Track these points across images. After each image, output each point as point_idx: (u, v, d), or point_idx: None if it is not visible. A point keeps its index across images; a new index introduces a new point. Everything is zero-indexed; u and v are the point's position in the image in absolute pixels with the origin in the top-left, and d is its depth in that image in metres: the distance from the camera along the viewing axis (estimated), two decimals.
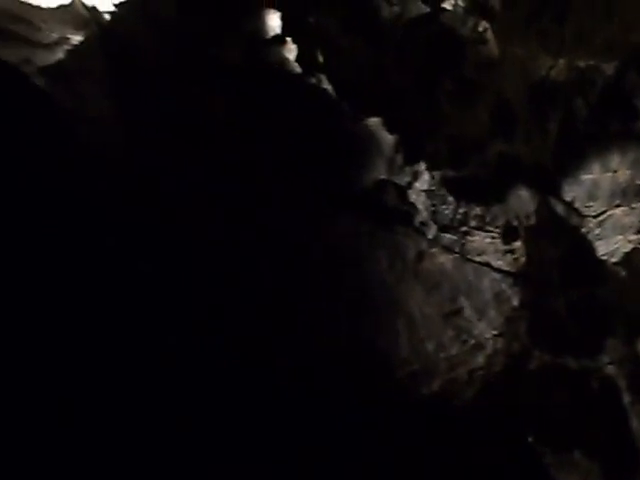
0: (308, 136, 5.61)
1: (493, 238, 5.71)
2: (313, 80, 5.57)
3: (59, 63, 5.57)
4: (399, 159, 5.65)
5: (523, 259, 5.69)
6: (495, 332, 5.56)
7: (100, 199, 5.08)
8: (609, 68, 6.01)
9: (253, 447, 4.21)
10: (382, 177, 5.71)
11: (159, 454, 4.01)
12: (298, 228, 5.50)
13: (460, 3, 5.62)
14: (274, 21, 5.58)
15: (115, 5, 5.86)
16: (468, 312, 5.59)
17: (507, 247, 5.70)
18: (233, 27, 5.65)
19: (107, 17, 5.93)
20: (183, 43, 5.57)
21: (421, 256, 5.65)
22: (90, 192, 5.06)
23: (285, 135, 5.60)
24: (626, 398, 5.68)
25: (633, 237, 6.05)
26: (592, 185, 6.07)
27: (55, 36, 5.79)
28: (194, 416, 4.18)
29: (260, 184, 5.58)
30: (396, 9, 5.62)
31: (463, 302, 5.61)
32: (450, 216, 5.71)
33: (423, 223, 5.75)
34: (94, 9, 5.99)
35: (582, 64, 5.91)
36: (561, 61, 5.88)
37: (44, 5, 5.96)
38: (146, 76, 5.56)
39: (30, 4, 5.88)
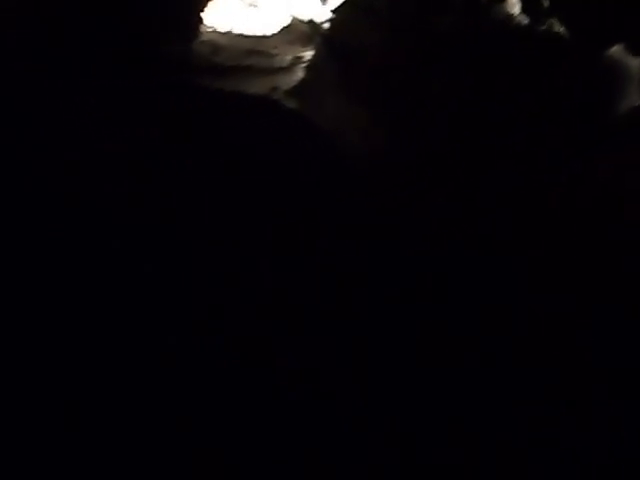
0: (550, 83, 5.58)
1: None
2: (543, 27, 5.53)
3: (302, 82, 5.82)
4: None
5: None
6: None
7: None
8: None
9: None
10: (638, 103, 5.56)
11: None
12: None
13: None
14: None
15: (332, 11, 6.03)
16: None
17: None
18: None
19: (326, 26, 6.16)
20: (395, 30, 5.62)
21: None
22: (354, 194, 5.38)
23: (528, 90, 5.59)
24: None
25: None
26: None
27: (289, 58, 6.12)
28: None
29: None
30: None
31: None
32: None
33: None
34: (312, 22, 6.33)
35: None
36: None
37: (268, 32, 6.42)
38: (373, 72, 5.65)
39: (256, 35, 6.36)
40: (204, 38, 5.88)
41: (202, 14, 5.74)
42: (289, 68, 5.98)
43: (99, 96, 5.41)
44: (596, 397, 4.35)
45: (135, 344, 4.17)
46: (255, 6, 6.53)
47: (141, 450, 3.75)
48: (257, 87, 5.57)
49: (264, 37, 6.35)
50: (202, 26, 5.89)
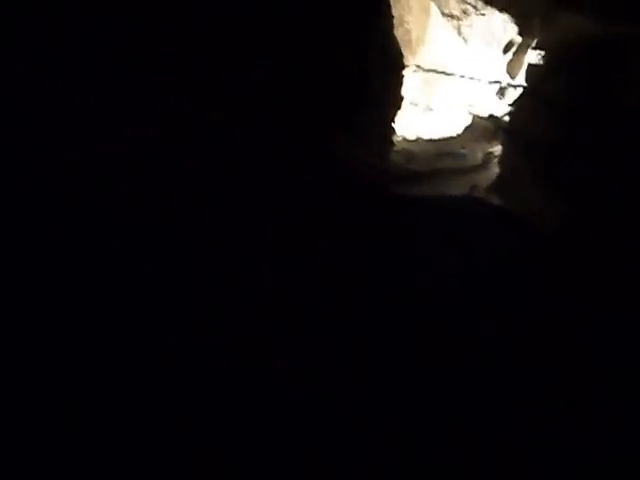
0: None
1: None
2: None
3: (498, 178, 6.03)
4: None
5: None
6: None
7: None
8: None
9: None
10: None
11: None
12: None
13: None
14: None
15: (510, 105, 6.34)
16: None
17: None
18: None
19: (507, 119, 6.47)
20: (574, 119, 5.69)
21: None
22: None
23: None
24: None
25: None
26: None
27: (480, 155, 6.45)
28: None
29: None
30: None
31: None
32: None
33: None
34: (492, 117, 6.71)
35: None
36: None
37: (453, 133, 6.88)
38: (559, 160, 5.74)
39: (443, 138, 6.75)
40: (397, 148, 6.20)
41: (393, 124, 6.00)
42: (483, 165, 6.26)
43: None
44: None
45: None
46: (432, 109, 6.87)
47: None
48: (456, 188, 5.75)
49: (450, 138, 6.73)
50: (395, 136, 6.22)
